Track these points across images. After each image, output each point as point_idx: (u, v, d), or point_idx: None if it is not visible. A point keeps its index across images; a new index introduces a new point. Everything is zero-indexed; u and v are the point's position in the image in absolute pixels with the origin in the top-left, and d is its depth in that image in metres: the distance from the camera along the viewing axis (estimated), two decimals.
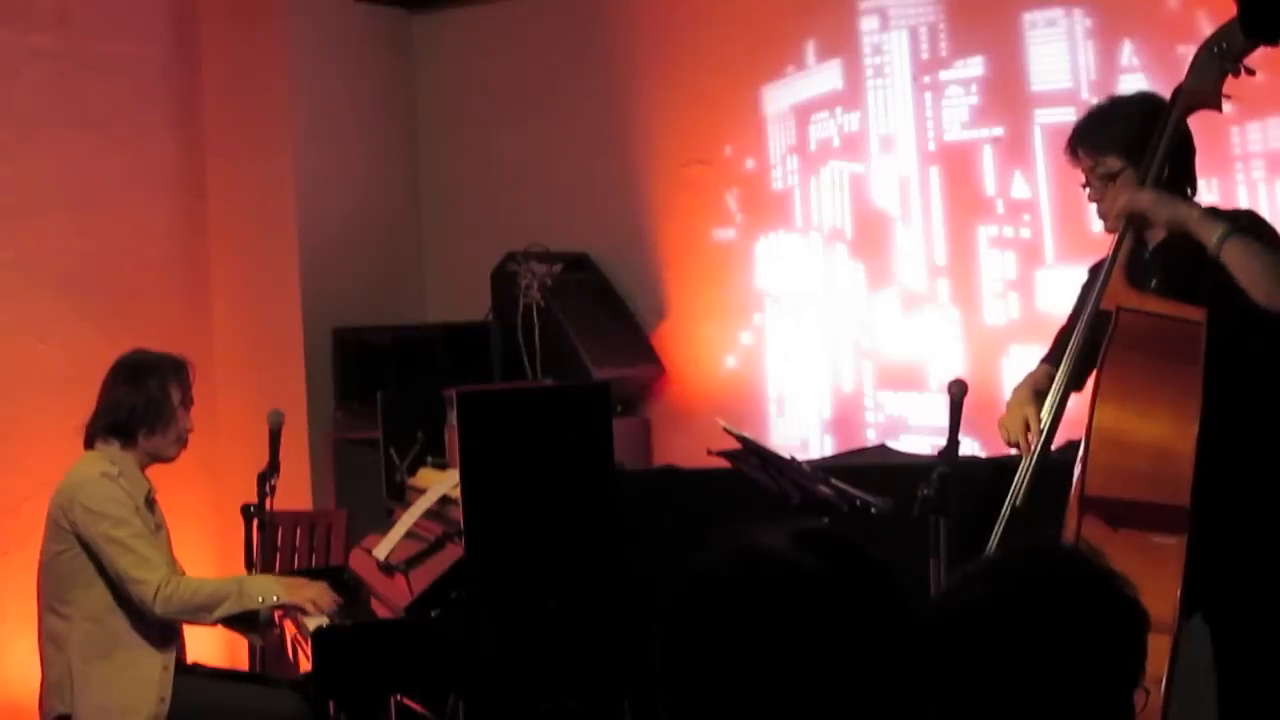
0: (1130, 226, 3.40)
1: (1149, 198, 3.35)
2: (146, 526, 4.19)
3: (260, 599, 4.18)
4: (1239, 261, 3.24)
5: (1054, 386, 3.45)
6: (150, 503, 4.27)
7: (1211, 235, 3.26)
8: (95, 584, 4.14)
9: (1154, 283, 3.43)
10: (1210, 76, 3.35)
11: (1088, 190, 3.51)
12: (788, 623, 1.43)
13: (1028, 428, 3.47)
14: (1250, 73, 3.35)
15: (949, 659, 1.63)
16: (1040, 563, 1.69)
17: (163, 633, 4.20)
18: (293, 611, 4.24)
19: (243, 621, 4.26)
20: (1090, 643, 1.62)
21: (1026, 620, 1.61)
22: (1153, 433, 3.17)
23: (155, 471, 4.35)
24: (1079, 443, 3.28)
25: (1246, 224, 3.38)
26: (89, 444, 4.27)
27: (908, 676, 1.47)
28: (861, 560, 1.49)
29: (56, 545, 4.19)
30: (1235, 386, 3.31)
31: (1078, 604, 1.63)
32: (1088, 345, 3.39)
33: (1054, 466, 3.37)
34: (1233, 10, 3.31)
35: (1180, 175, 3.45)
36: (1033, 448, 3.43)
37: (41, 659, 4.23)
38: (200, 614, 4.17)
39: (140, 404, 4.22)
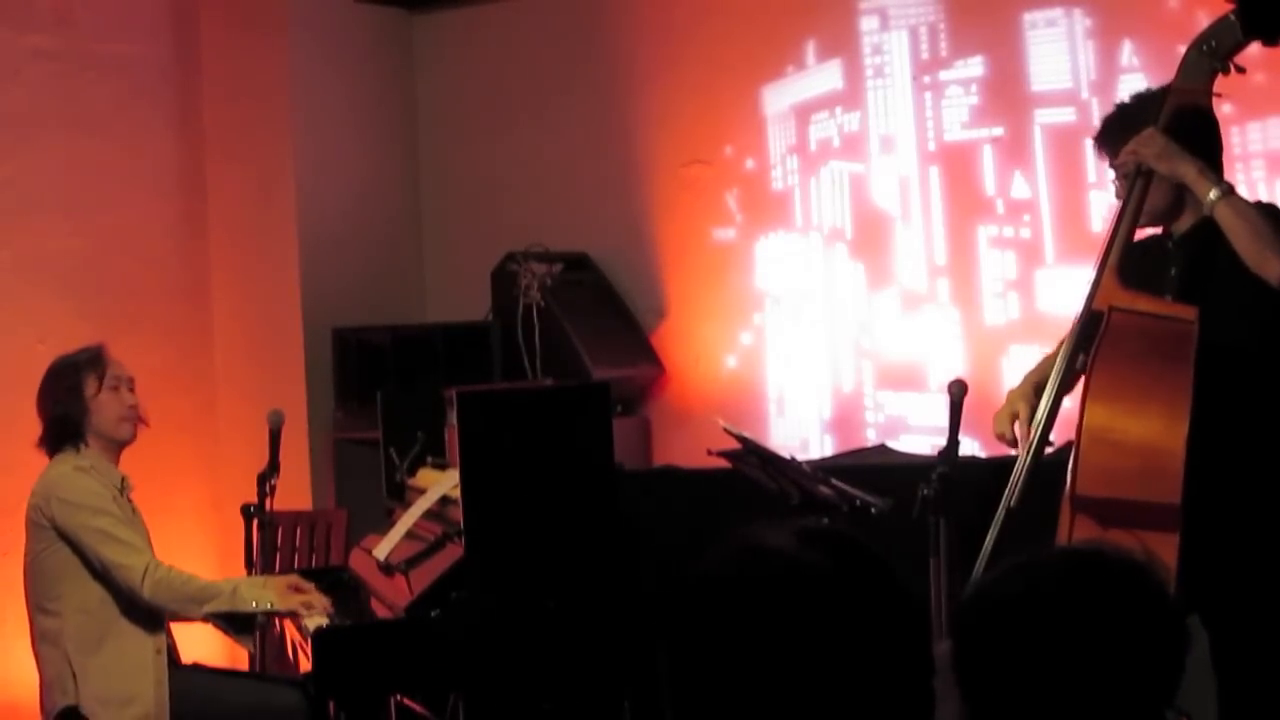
0: (1124, 226, 3.40)
1: (1155, 148, 3.35)
2: (124, 514, 4.20)
3: (254, 604, 4.17)
4: (1231, 223, 3.25)
5: (1048, 388, 3.44)
6: (124, 493, 4.28)
7: (1207, 193, 3.27)
8: (81, 576, 4.15)
9: (1174, 270, 3.44)
10: (1200, 75, 3.35)
11: (1115, 186, 3.52)
12: (793, 620, 1.43)
13: (1016, 419, 3.47)
14: (1240, 70, 3.35)
15: (981, 655, 1.62)
16: (1096, 568, 1.67)
17: (150, 617, 4.19)
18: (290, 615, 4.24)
19: (234, 624, 4.25)
20: (1131, 653, 1.60)
21: (1070, 623, 1.59)
22: (1143, 431, 3.17)
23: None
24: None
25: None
26: (50, 456, 4.31)
27: (914, 671, 1.47)
28: (866, 558, 1.48)
29: (37, 545, 4.20)
30: (1238, 383, 3.32)
31: (1125, 611, 1.61)
32: (1081, 345, 3.38)
33: (1049, 467, 3.37)
34: (1226, 8, 3.31)
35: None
36: (1028, 440, 3.43)
37: (37, 659, 4.23)
38: (189, 605, 4.16)
39: (61, 412, 4.26)
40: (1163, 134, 3.35)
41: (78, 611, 4.15)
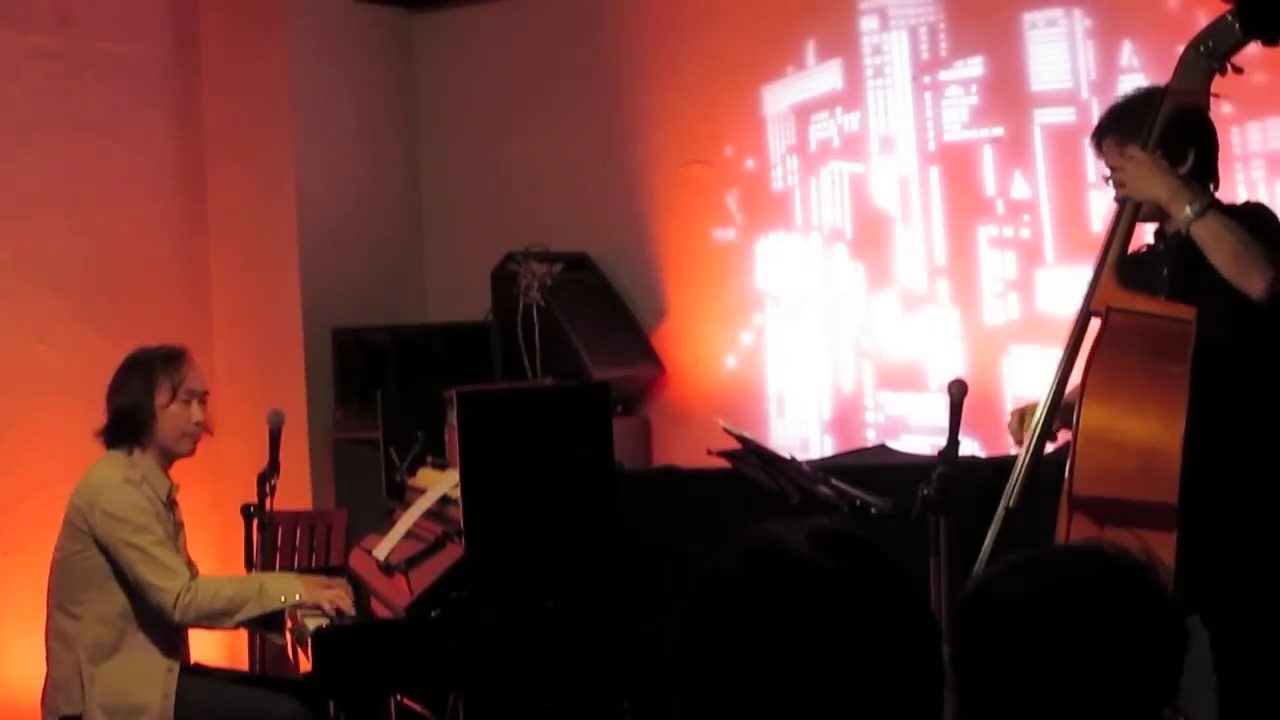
0: (1123, 226, 3.40)
1: (1131, 173, 3.36)
2: (166, 531, 4.19)
3: (282, 598, 4.17)
4: (1208, 244, 3.25)
5: (1049, 388, 3.44)
6: (171, 503, 4.27)
7: (1182, 213, 3.28)
8: (109, 587, 4.14)
9: (1165, 270, 3.44)
10: (1198, 75, 3.34)
11: (1111, 182, 3.52)
12: (805, 622, 1.42)
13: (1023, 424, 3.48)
14: (1238, 71, 3.34)
15: (979, 653, 1.62)
16: (1095, 566, 1.67)
17: (170, 639, 4.21)
18: (299, 610, 4.23)
19: (263, 621, 4.25)
20: (1130, 652, 1.60)
21: (1069, 621, 1.59)
22: (1140, 431, 3.17)
23: None
24: None
25: (1246, 212, 3.39)
26: (106, 446, 4.27)
27: (926, 676, 1.46)
28: (879, 559, 1.48)
29: (73, 545, 4.18)
30: (1232, 382, 3.32)
31: (1125, 610, 1.61)
32: (1079, 346, 3.39)
33: (1048, 466, 3.37)
34: (1225, 8, 3.31)
35: (1202, 170, 3.45)
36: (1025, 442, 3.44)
37: (48, 654, 4.23)
38: (221, 618, 4.16)
39: (127, 408, 4.22)
40: (1142, 153, 3.35)
41: (97, 621, 4.14)
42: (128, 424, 4.22)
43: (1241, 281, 3.21)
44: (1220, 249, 3.23)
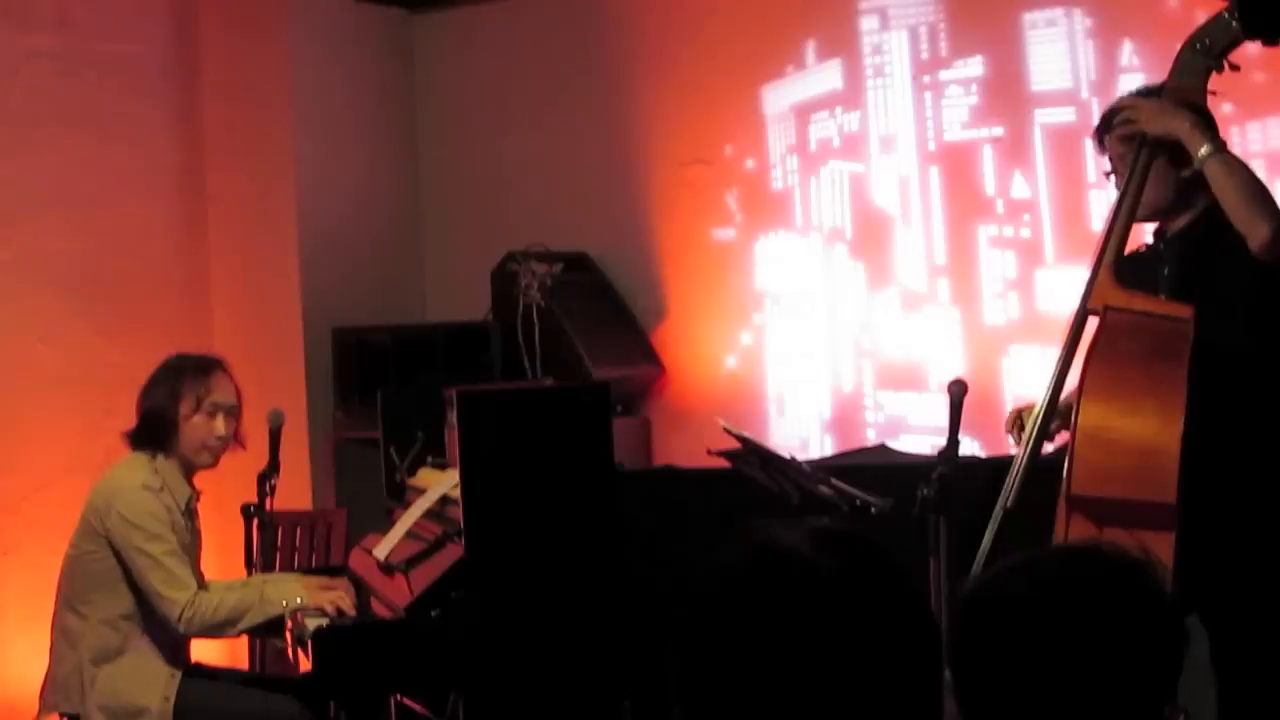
0: (1120, 224, 3.40)
1: (1148, 111, 3.35)
2: (181, 540, 4.18)
3: (284, 603, 4.16)
4: (1221, 180, 3.23)
5: (1046, 388, 3.44)
6: (190, 512, 4.27)
7: (1200, 147, 3.26)
8: (118, 590, 4.14)
9: (1166, 270, 3.43)
10: (1194, 73, 3.34)
11: (1113, 178, 3.51)
12: (805, 623, 1.42)
13: (1022, 426, 3.48)
14: (1235, 68, 3.34)
15: (978, 653, 1.62)
16: (1093, 565, 1.67)
17: (173, 644, 4.21)
18: (299, 612, 4.23)
19: (266, 628, 4.24)
20: (1130, 651, 1.60)
21: (1069, 621, 1.59)
22: (1138, 430, 3.17)
23: None
24: None
25: None
26: (131, 447, 4.27)
27: (926, 677, 1.46)
28: (879, 559, 1.48)
29: (87, 544, 4.18)
30: (1229, 381, 3.31)
31: (1123, 609, 1.61)
32: (1076, 346, 3.38)
33: (1046, 467, 3.37)
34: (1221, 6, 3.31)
35: None
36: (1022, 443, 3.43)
37: (52, 649, 4.23)
38: (225, 628, 4.17)
39: (152, 413, 4.21)
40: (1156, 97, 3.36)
41: (103, 623, 4.14)
42: (151, 429, 4.22)
43: (1247, 224, 3.19)
44: (1234, 184, 3.22)
